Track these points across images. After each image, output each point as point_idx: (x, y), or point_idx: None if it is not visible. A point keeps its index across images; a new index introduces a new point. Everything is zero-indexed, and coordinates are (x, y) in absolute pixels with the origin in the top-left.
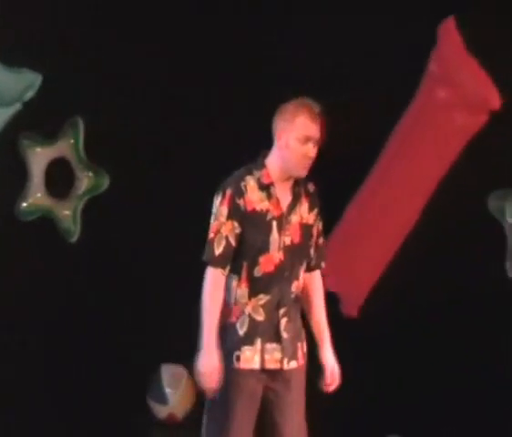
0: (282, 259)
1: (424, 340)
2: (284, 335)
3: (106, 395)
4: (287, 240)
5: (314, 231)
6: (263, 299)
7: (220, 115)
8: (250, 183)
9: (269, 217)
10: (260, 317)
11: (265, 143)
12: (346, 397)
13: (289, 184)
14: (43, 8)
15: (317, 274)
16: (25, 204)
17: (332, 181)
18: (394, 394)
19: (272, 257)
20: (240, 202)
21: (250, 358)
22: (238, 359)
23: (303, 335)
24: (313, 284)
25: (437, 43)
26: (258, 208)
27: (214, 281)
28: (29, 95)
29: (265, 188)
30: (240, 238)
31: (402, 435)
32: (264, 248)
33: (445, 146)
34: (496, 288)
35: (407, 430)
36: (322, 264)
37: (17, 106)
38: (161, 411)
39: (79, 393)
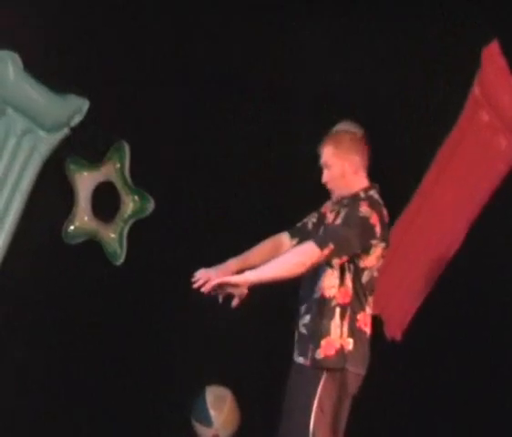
0: None
1: (468, 364)
2: (302, 330)
3: (149, 416)
4: None
5: None
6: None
7: (267, 137)
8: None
9: None
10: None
11: None
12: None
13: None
14: (89, 34)
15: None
16: (72, 227)
17: None
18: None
19: None
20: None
21: None
22: None
23: (323, 341)
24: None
25: (481, 66)
26: None
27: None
28: (76, 120)
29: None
30: None
31: None
32: None
33: (488, 170)
34: None
35: None
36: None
37: (65, 131)
38: (205, 433)
39: (122, 414)
